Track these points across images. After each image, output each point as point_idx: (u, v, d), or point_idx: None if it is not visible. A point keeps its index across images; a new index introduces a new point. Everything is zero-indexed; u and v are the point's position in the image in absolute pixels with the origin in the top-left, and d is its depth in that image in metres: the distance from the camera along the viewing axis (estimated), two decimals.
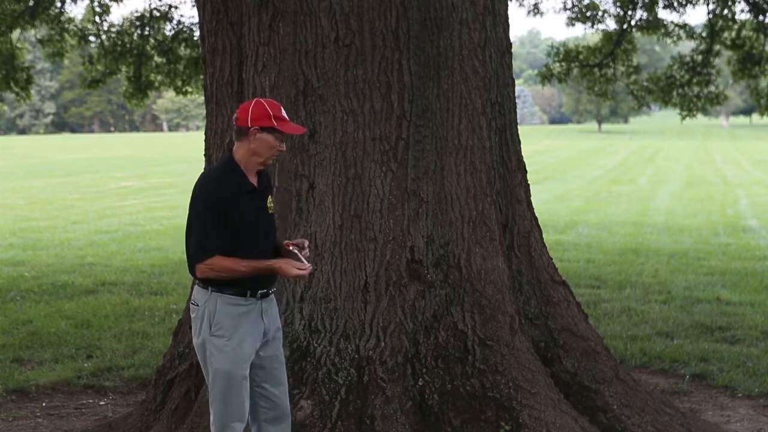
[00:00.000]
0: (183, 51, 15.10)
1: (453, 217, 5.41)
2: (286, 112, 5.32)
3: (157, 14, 15.15)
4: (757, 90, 15.42)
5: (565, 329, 5.84)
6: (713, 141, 73.62)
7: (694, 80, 15.50)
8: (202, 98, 6.37)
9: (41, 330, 9.17)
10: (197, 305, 4.39)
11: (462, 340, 5.28)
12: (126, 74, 15.61)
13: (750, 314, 9.76)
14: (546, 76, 16.07)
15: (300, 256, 4.41)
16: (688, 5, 15.05)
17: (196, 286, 4.42)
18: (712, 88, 15.71)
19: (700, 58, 15.52)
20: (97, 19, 15.36)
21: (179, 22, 15.16)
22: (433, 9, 5.39)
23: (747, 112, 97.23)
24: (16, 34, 15.22)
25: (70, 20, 15.47)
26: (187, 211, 4.39)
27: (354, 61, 5.28)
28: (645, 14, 15.37)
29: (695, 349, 8.28)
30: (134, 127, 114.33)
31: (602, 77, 15.90)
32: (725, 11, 15.07)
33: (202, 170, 4.46)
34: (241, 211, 4.29)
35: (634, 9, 15.28)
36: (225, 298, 4.32)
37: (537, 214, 6.19)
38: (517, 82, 6.39)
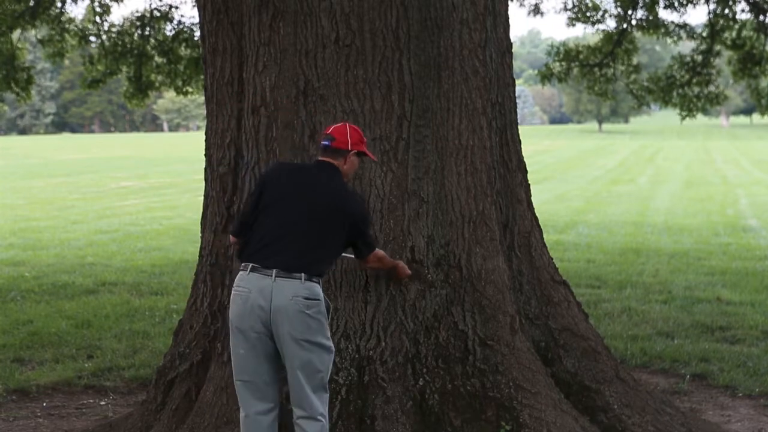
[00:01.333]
0: (183, 51, 15.10)
1: (453, 217, 5.41)
2: (287, 112, 5.35)
3: (158, 14, 15.15)
4: (757, 90, 15.43)
5: (565, 329, 5.84)
6: (713, 141, 73.61)
7: (694, 80, 15.51)
8: (202, 98, 6.37)
9: (41, 330, 9.17)
10: (318, 300, 4.57)
11: (462, 340, 5.28)
12: (126, 74, 15.62)
13: (750, 314, 9.76)
14: (546, 76, 16.07)
15: None
16: (689, 5, 15.06)
17: (309, 282, 4.55)
18: (712, 88, 15.72)
19: (700, 58, 15.52)
20: (97, 19, 15.37)
21: (180, 22, 15.17)
22: (433, 9, 5.40)
23: (747, 111, 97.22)
24: (16, 34, 15.22)
25: (71, 20, 15.47)
26: (359, 223, 4.74)
27: (354, 61, 5.27)
28: (645, 14, 15.38)
29: (695, 349, 8.28)
30: (134, 127, 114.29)
31: (602, 77, 15.90)
32: (726, 11, 15.08)
33: (340, 187, 4.79)
34: None
35: (634, 9, 15.28)
36: None
37: (537, 214, 6.19)
38: (517, 82, 6.39)
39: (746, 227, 18.91)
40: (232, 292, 4.66)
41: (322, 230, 4.62)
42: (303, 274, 4.53)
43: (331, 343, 4.65)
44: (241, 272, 4.64)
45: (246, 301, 4.56)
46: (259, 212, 4.69)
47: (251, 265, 4.59)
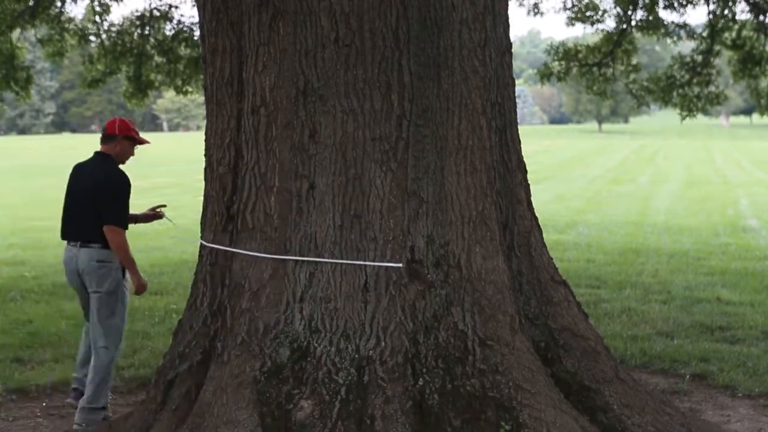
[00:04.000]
0: (183, 51, 15.10)
1: (453, 217, 5.41)
2: (286, 112, 5.35)
3: (157, 14, 15.15)
4: (757, 90, 15.43)
5: (565, 329, 5.84)
6: (713, 141, 73.61)
7: (694, 80, 15.50)
8: (202, 98, 6.38)
9: (41, 330, 9.17)
10: (110, 261, 6.47)
11: (462, 340, 5.27)
12: (126, 74, 15.62)
13: (750, 314, 9.76)
14: (545, 75, 16.07)
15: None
16: (689, 5, 15.06)
17: (99, 248, 6.42)
18: (712, 88, 15.71)
19: (700, 58, 15.52)
20: (97, 18, 15.37)
21: (179, 21, 15.17)
22: (433, 9, 5.39)
23: (747, 111, 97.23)
24: (16, 33, 15.23)
25: (70, 20, 15.48)
26: (90, 191, 6.38)
27: (354, 61, 5.27)
28: (645, 14, 15.37)
29: (695, 349, 8.28)
30: None
31: (601, 76, 15.90)
32: (725, 11, 15.08)
33: (101, 168, 6.52)
34: None
35: (634, 9, 15.28)
36: None
37: (537, 214, 6.19)
38: (517, 82, 6.39)
39: (746, 227, 18.91)
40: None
41: (87, 206, 6.38)
42: (96, 243, 6.38)
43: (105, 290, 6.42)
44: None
45: (67, 265, 6.53)
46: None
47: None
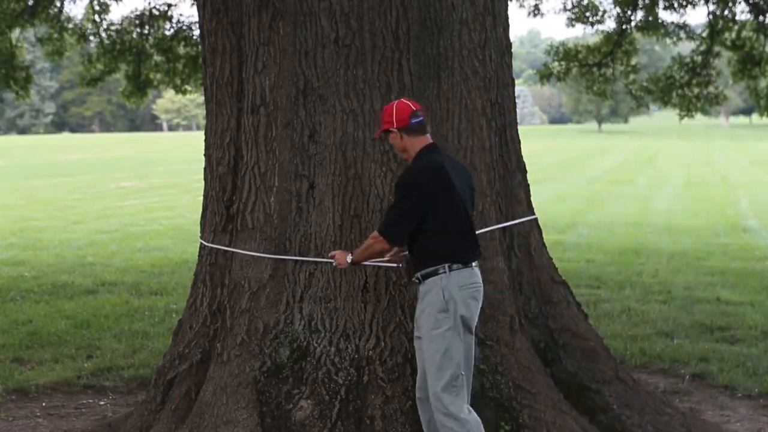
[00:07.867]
0: (182, 50, 15.10)
1: None
2: (286, 112, 5.35)
3: (157, 13, 15.15)
4: (756, 90, 15.42)
5: (565, 329, 5.84)
6: (713, 141, 73.57)
7: (694, 81, 15.49)
8: (202, 98, 6.38)
9: (41, 330, 9.17)
10: None
11: None
12: (125, 72, 15.62)
13: (750, 314, 9.76)
14: (545, 75, 16.06)
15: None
16: (688, 6, 15.05)
17: None
18: (711, 88, 15.70)
19: (699, 58, 15.51)
20: (96, 17, 15.37)
21: (178, 21, 15.16)
22: (433, 9, 5.40)
23: (747, 112, 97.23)
24: (15, 33, 15.22)
25: (69, 19, 15.48)
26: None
27: (354, 61, 5.28)
28: (645, 15, 15.37)
29: (695, 349, 8.28)
30: (134, 127, 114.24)
31: (601, 77, 15.90)
32: (725, 12, 15.07)
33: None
34: None
35: (634, 10, 15.28)
36: None
37: (537, 214, 6.19)
38: (517, 82, 6.39)
39: (746, 227, 18.91)
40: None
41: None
42: None
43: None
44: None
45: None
46: None
47: None
